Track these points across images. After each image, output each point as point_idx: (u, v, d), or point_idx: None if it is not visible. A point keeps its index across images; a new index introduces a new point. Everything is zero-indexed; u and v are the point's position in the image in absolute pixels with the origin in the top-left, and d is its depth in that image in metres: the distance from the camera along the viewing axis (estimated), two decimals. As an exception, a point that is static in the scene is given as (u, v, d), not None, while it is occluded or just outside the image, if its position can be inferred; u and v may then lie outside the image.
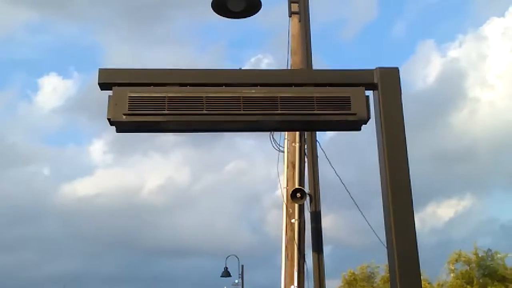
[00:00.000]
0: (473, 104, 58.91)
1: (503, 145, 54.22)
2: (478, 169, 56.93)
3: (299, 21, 8.87)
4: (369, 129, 3.91)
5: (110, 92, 3.71)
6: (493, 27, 66.70)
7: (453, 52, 68.53)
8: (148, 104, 3.67)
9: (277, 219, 9.30)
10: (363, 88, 3.83)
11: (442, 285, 32.11)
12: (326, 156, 8.32)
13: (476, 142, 57.63)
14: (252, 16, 6.73)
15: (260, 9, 6.58)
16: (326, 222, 8.23)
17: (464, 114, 59.59)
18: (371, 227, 7.73)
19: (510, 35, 61.58)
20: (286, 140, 8.90)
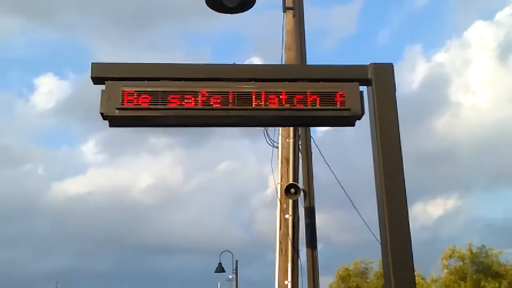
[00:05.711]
0: (455, 108, 59.55)
1: (484, 147, 54.90)
2: (461, 170, 57.61)
3: (293, 17, 8.84)
4: (353, 129, 3.91)
5: (103, 87, 3.68)
6: (476, 34, 67.19)
7: (438, 57, 69.01)
8: (142, 99, 3.65)
9: (270, 217, 9.29)
10: (357, 83, 3.82)
11: (436, 280, 32.25)
12: (321, 152, 8.32)
13: (458, 144, 58.28)
14: (245, 12, 6.68)
15: (254, 4, 6.53)
16: (316, 219, 8.19)
17: (447, 118, 60.23)
18: (366, 224, 7.70)
19: (490, 42, 62.12)
20: (280, 136, 8.89)
